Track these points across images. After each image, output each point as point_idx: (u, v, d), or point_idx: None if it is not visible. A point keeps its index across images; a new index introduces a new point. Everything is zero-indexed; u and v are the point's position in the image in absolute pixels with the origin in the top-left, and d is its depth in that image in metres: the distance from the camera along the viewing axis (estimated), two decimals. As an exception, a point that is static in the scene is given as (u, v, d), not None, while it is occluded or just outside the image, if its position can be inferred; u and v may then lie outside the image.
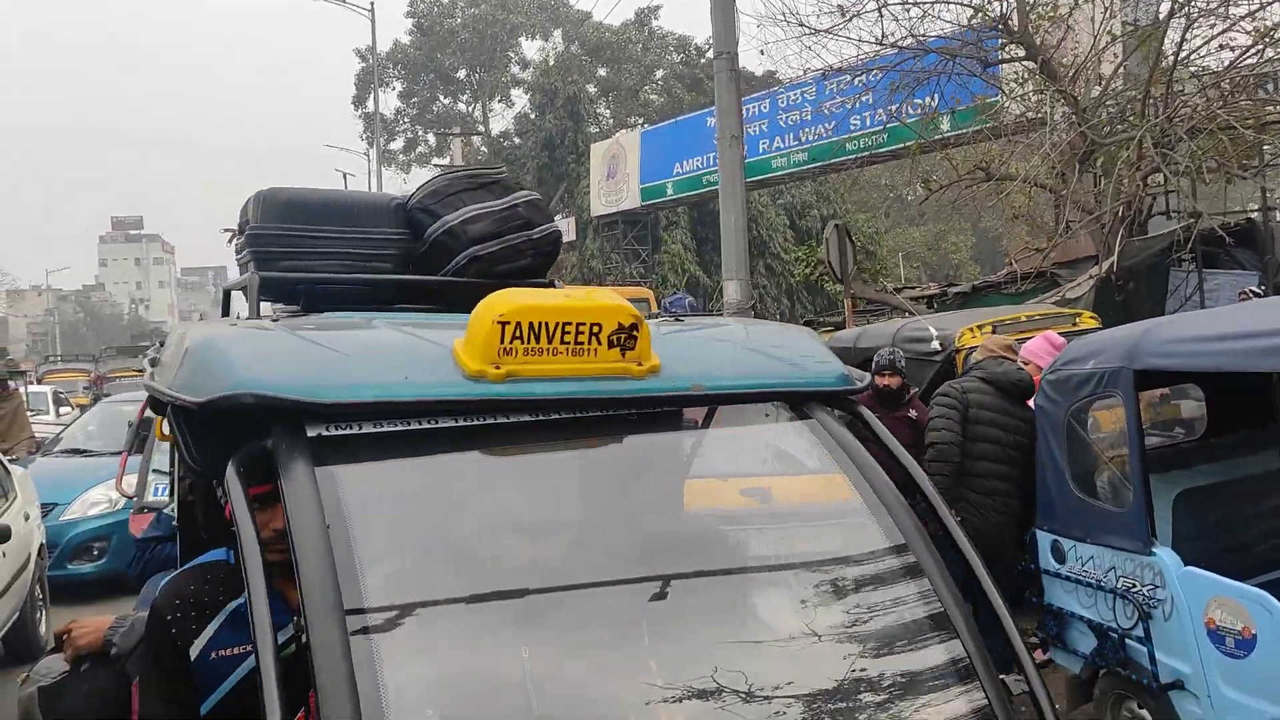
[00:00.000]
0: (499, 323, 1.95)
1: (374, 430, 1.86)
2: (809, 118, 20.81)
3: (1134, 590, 4.26)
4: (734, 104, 10.40)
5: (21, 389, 15.33)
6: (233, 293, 3.90)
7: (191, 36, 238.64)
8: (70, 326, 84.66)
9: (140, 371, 9.38)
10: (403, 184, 45.14)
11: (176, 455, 2.72)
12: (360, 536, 1.73)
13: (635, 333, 2.07)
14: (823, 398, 2.35)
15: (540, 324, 1.98)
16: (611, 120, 40.86)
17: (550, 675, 1.94)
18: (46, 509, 9.46)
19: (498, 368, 1.96)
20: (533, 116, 38.07)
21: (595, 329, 2.03)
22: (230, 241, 3.55)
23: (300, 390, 1.81)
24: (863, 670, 2.09)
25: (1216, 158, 9.93)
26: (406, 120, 47.25)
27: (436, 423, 1.91)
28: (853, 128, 18.84)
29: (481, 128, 46.38)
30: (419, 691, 1.73)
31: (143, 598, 3.54)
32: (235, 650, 2.34)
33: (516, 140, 41.46)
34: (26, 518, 7.71)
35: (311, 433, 1.82)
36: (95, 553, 9.68)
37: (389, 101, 45.85)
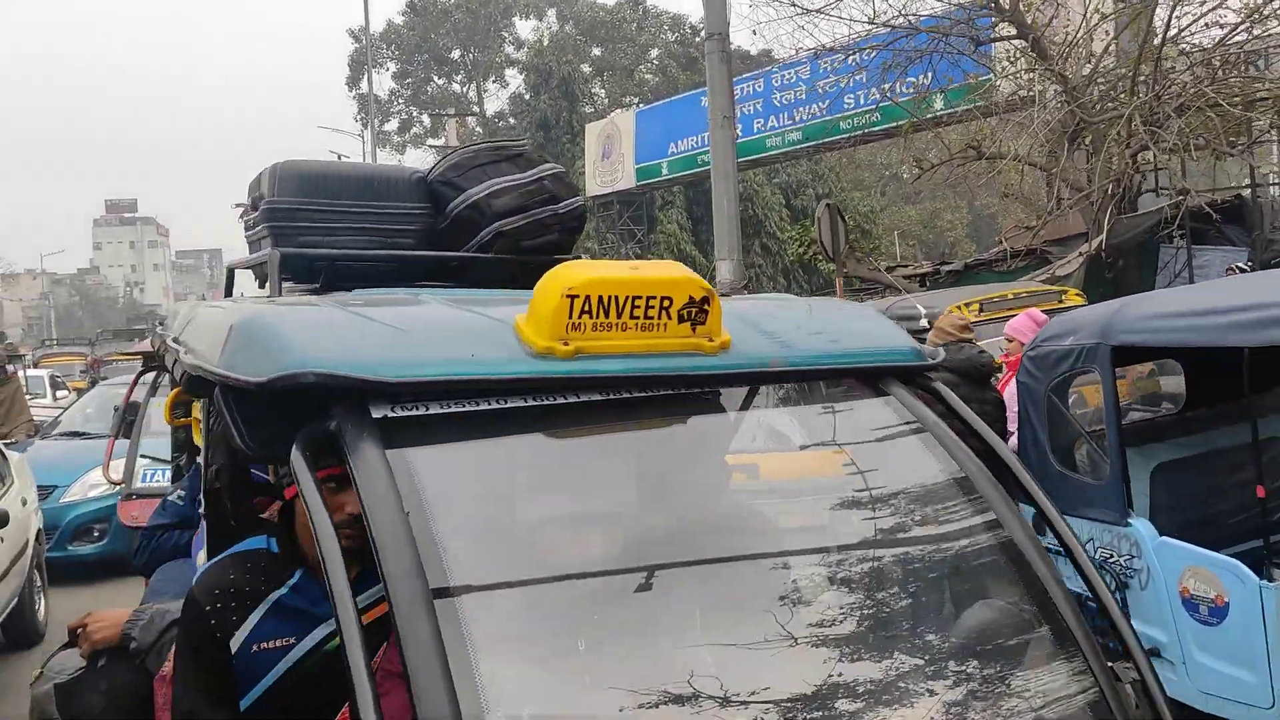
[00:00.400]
0: (568, 296, 1.84)
1: (440, 411, 1.76)
2: (803, 97, 20.83)
3: (1111, 560, 4.36)
4: (725, 85, 10.45)
5: (20, 373, 15.40)
6: (237, 271, 3.81)
7: (182, 15, 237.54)
8: (65, 310, 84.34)
9: (135, 354, 9.39)
10: (398, 163, 45.07)
11: (207, 440, 2.62)
12: (438, 521, 1.65)
13: (706, 307, 1.95)
14: (898, 373, 2.25)
15: (610, 298, 1.86)
16: (606, 100, 40.78)
17: (645, 658, 1.87)
18: (47, 491, 9.52)
19: (566, 344, 1.85)
20: (527, 97, 38.02)
21: (665, 303, 1.91)
22: (242, 217, 3.45)
23: (364, 368, 1.73)
24: (968, 655, 1.99)
25: (1204, 135, 10.00)
26: (401, 101, 47.12)
27: (505, 402, 1.82)
28: (846, 107, 18.85)
29: (476, 108, 46.28)
30: (511, 676, 1.66)
31: (151, 588, 3.45)
32: (277, 643, 2.24)
33: (511, 121, 41.38)
34: (24, 503, 7.68)
35: (377, 413, 1.72)
36: (95, 534, 9.78)
37: (383, 82, 45.74)
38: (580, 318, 1.85)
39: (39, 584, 8.02)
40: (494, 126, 42.70)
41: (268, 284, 3.47)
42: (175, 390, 3.55)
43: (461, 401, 1.78)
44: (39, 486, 9.24)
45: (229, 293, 3.78)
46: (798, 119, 21.29)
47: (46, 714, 2.78)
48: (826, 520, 2.29)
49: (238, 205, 3.48)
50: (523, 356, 1.85)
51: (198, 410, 3.06)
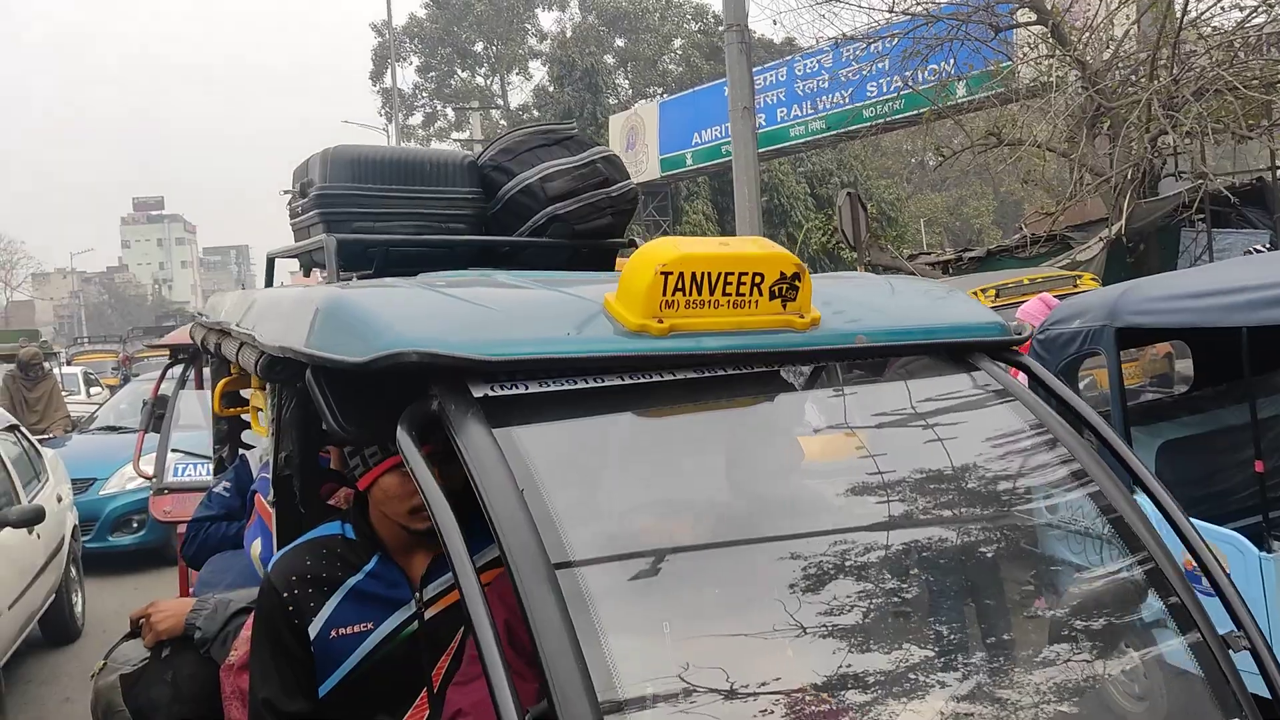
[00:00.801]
0: (661, 273, 1.82)
1: (539, 390, 1.76)
2: (825, 85, 20.88)
3: (1117, 535, 4.47)
4: (745, 76, 10.55)
5: (55, 370, 15.77)
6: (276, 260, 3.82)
7: (205, 12, 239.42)
8: (95, 308, 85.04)
9: (164, 348, 9.56)
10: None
11: (278, 426, 2.62)
12: (549, 497, 1.65)
13: (797, 283, 1.94)
14: (986, 348, 2.24)
15: (702, 274, 1.85)
16: (630, 91, 40.89)
17: (756, 630, 1.85)
18: (86, 484, 9.82)
19: (660, 321, 1.83)
20: (551, 89, 38.16)
21: (757, 279, 1.90)
22: (291, 203, 3.44)
23: (464, 347, 1.71)
24: (1081, 623, 2.03)
25: (1222, 119, 10.01)
26: (425, 95, 47.37)
27: (601, 380, 1.81)
28: (869, 95, 18.90)
29: (500, 101, 46.47)
30: (628, 647, 1.65)
31: (202, 579, 3.46)
32: (355, 628, 2.24)
33: (535, 113, 41.53)
34: (59, 499, 7.79)
35: (477, 392, 1.72)
36: (134, 525, 10.04)
37: (407, 76, 46.03)
38: (674, 295, 1.84)
39: (76, 579, 8.13)
40: (518, 119, 42.86)
41: (315, 270, 3.50)
42: (225, 379, 3.59)
43: (558, 380, 1.79)
44: (79, 479, 9.50)
45: (269, 282, 3.79)
46: (820, 107, 21.33)
47: (112, 705, 2.79)
48: (927, 493, 2.25)
49: (285, 192, 3.45)
50: (618, 334, 1.85)
51: (256, 399, 3.06)
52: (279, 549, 2.43)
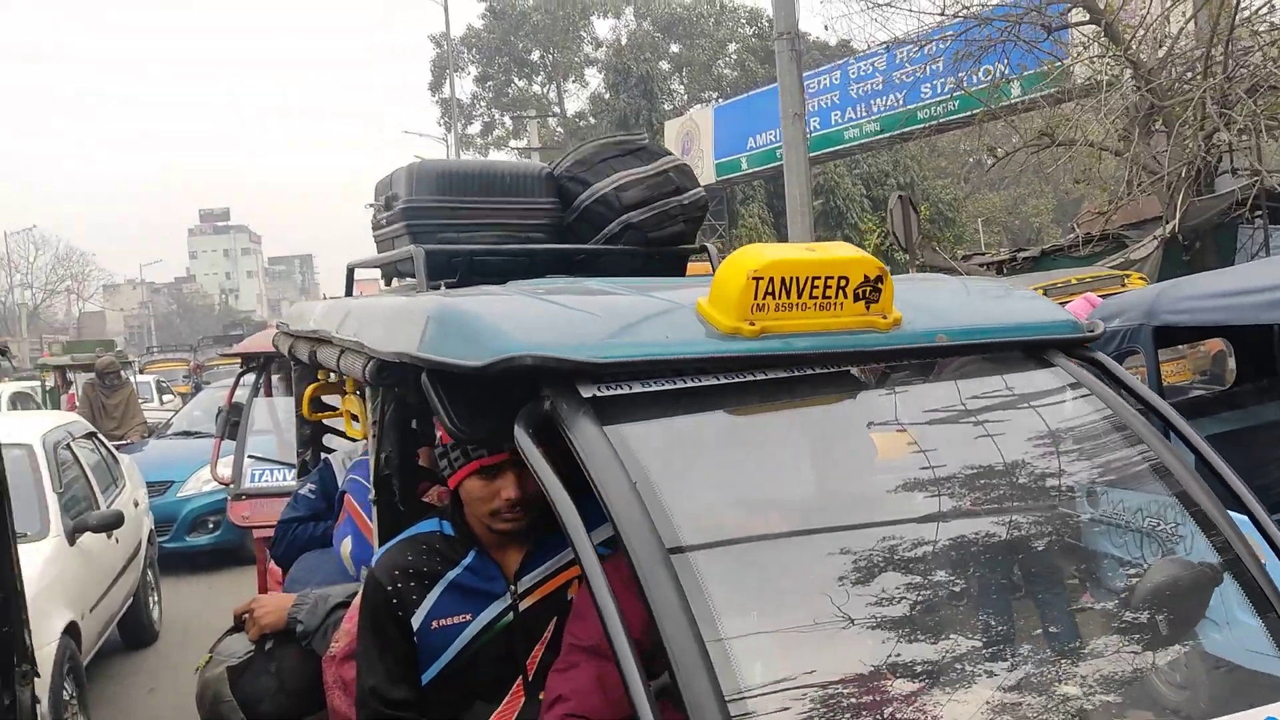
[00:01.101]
0: (753, 278, 1.93)
1: (641, 389, 1.87)
2: (880, 87, 20.91)
3: (1159, 528, 4.57)
4: (795, 83, 10.72)
5: (131, 379, 16.36)
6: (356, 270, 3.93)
7: (266, 27, 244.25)
8: (164, 318, 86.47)
9: (235, 356, 9.86)
10: (482, 167, 45.81)
11: (379, 428, 2.71)
12: (662, 491, 1.75)
13: (880, 285, 2.04)
14: (1062, 345, 2.32)
15: (791, 278, 1.95)
16: (685, 96, 41.06)
17: (886, 629, 1.93)
18: (164, 486, 10.19)
19: (752, 324, 1.94)
20: (606, 96, 38.47)
21: (842, 282, 2.00)
22: (375, 216, 3.58)
23: (573, 350, 1.82)
24: (1161, 612, 2.10)
25: (1277, 115, 9.95)
26: (483, 104, 47.96)
27: (698, 380, 1.92)
28: (923, 96, 18.92)
29: (557, 108, 46.92)
30: (756, 644, 1.74)
31: (292, 577, 3.59)
32: (455, 619, 2.35)
33: (591, 120, 41.87)
34: (135, 504, 7.97)
35: (586, 393, 1.82)
36: (210, 525, 10.41)
37: (465, 86, 46.62)
38: (764, 298, 1.94)
39: (152, 583, 8.29)
40: (574, 126, 43.25)
41: (397, 280, 3.63)
42: (314, 385, 3.74)
43: (658, 380, 1.89)
44: (157, 482, 9.84)
45: (349, 291, 3.92)
46: (874, 110, 21.37)
47: (219, 695, 2.93)
48: (1011, 484, 2.32)
49: (369, 205, 3.59)
50: (713, 336, 1.96)
51: (350, 404, 3.21)
52: (380, 546, 2.57)
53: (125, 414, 12.89)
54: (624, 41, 40.10)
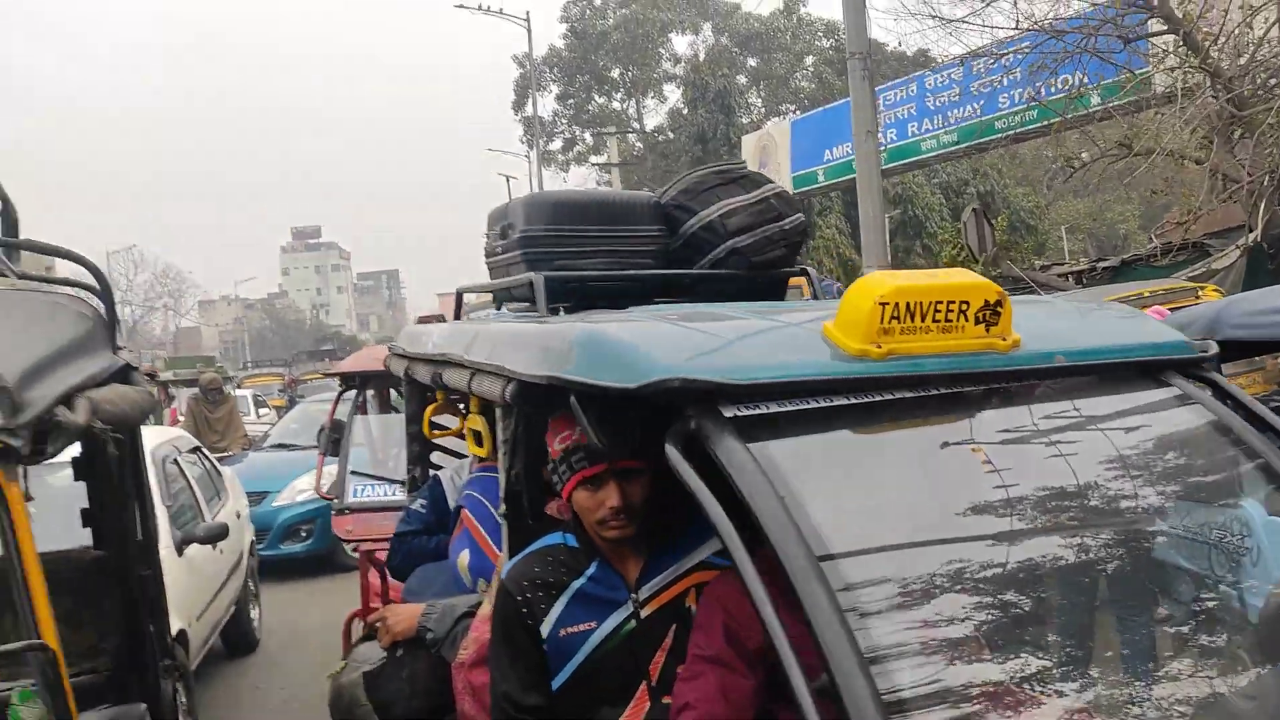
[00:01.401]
0: (880, 303, 2.03)
1: (776, 409, 1.96)
2: (956, 99, 20.82)
3: (1225, 540, 4.65)
4: (868, 100, 10.87)
5: (232, 393, 17.09)
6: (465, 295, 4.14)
7: (355, 53, 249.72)
8: (257, 333, 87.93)
9: (333, 374, 10.24)
10: (562, 183, 46.52)
11: (510, 447, 2.81)
12: (809, 507, 1.83)
13: (999, 309, 2.13)
14: (1178, 365, 2.38)
15: (915, 304, 2.05)
16: (763, 109, 41.19)
17: (999, 628, 1.98)
18: (260, 496, 10.61)
19: (879, 346, 2.03)
20: (685, 111, 38.77)
21: (963, 306, 2.09)
22: (488, 244, 3.74)
23: (716, 373, 1.93)
24: None
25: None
26: (564, 121, 48.60)
27: (830, 400, 2.01)
28: (1001, 106, 18.79)
29: (636, 124, 47.38)
30: (898, 647, 1.80)
31: (409, 588, 3.73)
32: (581, 627, 2.44)
33: (670, 135, 42.20)
34: (237, 515, 8.29)
35: (727, 412, 1.92)
36: (303, 534, 10.89)
37: (546, 104, 47.30)
38: (890, 322, 2.04)
39: (253, 592, 8.59)
40: (653, 141, 43.63)
41: (508, 304, 3.78)
42: (432, 406, 3.94)
43: (792, 400, 1.99)
44: (254, 492, 10.16)
45: (458, 315, 4.10)
46: (951, 121, 21.25)
47: (356, 699, 3.12)
48: (1131, 501, 2.36)
49: (485, 235, 3.75)
50: (842, 358, 2.06)
51: (474, 422, 3.33)
52: (509, 558, 2.70)
53: (228, 427, 13.48)
54: (702, 57, 40.40)
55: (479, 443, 3.27)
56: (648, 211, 3.58)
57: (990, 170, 32.31)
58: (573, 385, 2.11)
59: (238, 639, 8.15)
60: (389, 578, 5.19)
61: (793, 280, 3.78)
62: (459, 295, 4.20)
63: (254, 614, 8.57)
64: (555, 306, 3.12)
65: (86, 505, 3.20)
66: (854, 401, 2.03)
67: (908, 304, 2.04)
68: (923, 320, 2.06)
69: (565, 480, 2.45)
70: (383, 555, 5.20)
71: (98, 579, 2.16)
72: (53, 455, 2.03)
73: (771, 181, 3.62)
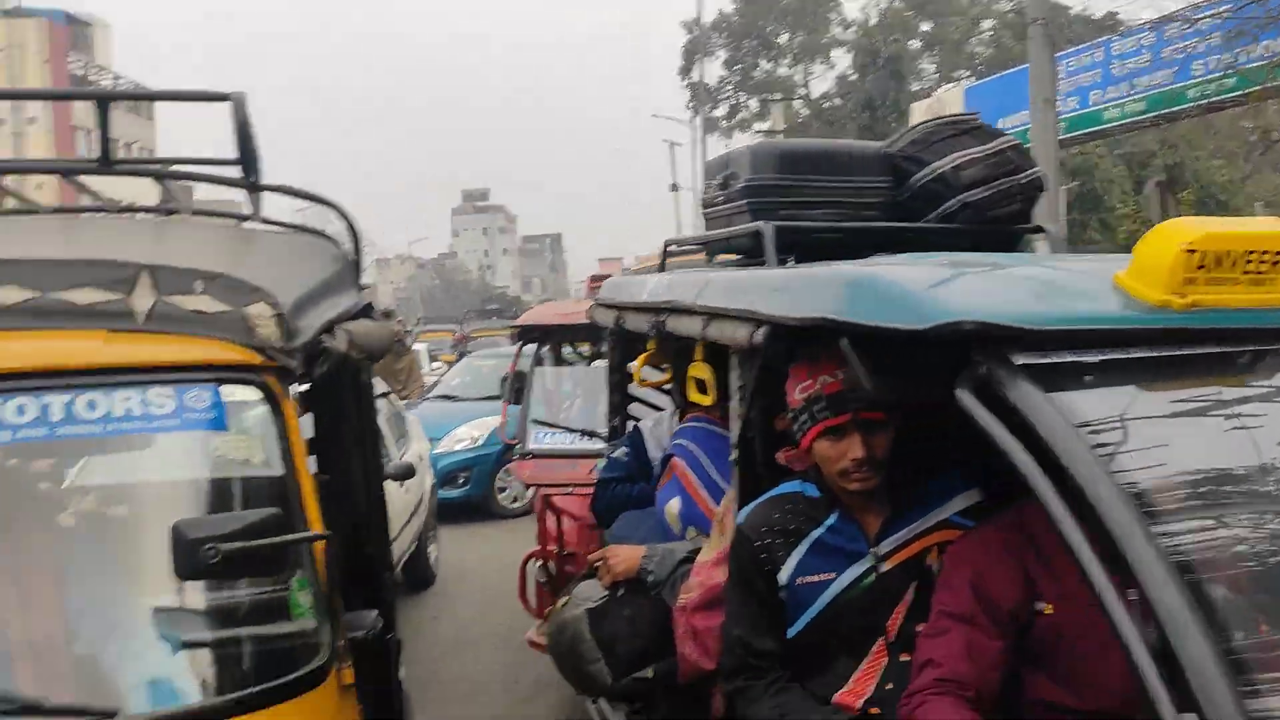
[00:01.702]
0: (1188, 250, 1.85)
1: (1070, 359, 1.84)
2: (1145, 65, 19.87)
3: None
4: (1047, 68, 10.61)
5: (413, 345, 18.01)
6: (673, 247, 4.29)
7: (530, 21, 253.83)
8: (427, 291, 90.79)
9: (506, 329, 10.62)
10: (725, 148, 46.20)
11: (745, 395, 2.72)
12: (1119, 461, 1.71)
13: None
14: None
15: (1225, 253, 1.86)
16: (936, 75, 40.10)
17: None
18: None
19: (1182, 297, 1.86)
20: (853, 77, 38.12)
21: (1278, 258, 1.89)
22: (706, 194, 3.77)
23: (1010, 317, 1.81)
24: None
25: None
26: (729, 87, 48.34)
27: (1128, 352, 1.86)
28: (1194, 74, 17.87)
29: (803, 90, 46.79)
30: (1221, 605, 1.64)
31: (614, 534, 3.79)
32: (819, 577, 2.40)
33: (837, 101, 41.58)
34: (420, 458, 8.67)
35: (1018, 360, 1.80)
36: (461, 480, 11.42)
37: (713, 70, 47.15)
38: (1195, 271, 1.86)
39: (433, 531, 9.02)
40: (819, 108, 43.05)
41: (722, 255, 3.86)
42: (644, 355, 3.89)
43: (1084, 350, 1.86)
44: (419, 439, 10.85)
45: (663, 266, 4.18)
46: (1138, 89, 20.30)
47: (580, 634, 3.17)
48: None
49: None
50: (1136, 310, 1.90)
51: (698, 370, 3.27)
52: (741, 506, 2.67)
53: (409, 377, 14.26)
54: (873, 21, 39.56)
55: (702, 390, 3.23)
56: (875, 162, 3.51)
57: (1180, 141, 30.65)
58: (852, 328, 2.04)
59: (417, 574, 8.56)
60: (562, 521, 5.45)
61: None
62: (665, 246, 4.31)
63: (432, 551, 8.95)
64: (784, 258, 3.06)
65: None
66: (1147, 354, 1.88)
67: (1216, 253, 1.86)
68: (1231, 270, 1.88)
69: (806, 429, 2.40)
70: (559, 499, 5.55)
71: (325, 502, 2.43)
72: (314, 378, 2.34)
73: (1005, 134, 3.51)
